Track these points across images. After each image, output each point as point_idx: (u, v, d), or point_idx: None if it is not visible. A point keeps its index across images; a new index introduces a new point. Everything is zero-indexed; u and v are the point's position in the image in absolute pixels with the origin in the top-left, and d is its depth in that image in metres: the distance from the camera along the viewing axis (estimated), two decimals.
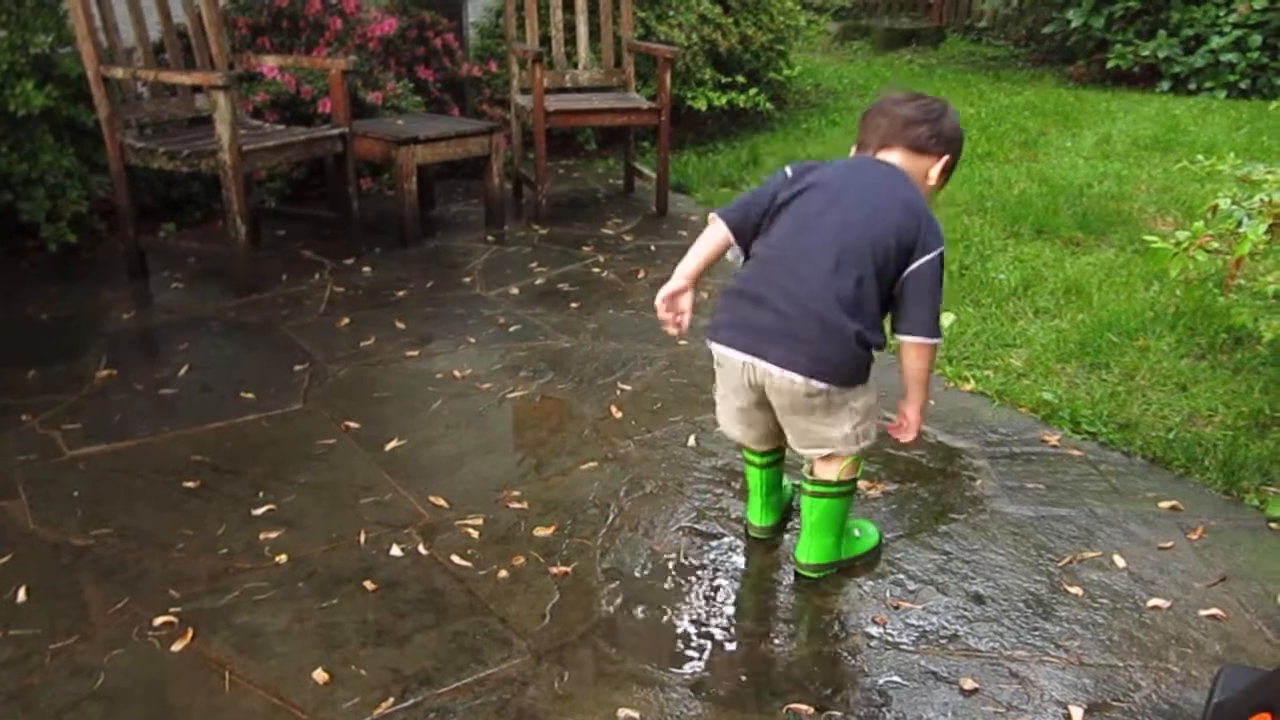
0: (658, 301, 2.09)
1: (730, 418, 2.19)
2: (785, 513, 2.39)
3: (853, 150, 2.17)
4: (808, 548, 2.18)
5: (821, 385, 1.95)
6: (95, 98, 3.76)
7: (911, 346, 1.98)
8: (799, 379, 1.94)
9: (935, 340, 1.98)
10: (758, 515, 2.33)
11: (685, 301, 2.08)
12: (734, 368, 2.03)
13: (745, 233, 2.06)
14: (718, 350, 2.05)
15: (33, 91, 3.69)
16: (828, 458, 2.10)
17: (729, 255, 2.11)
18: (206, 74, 3.94)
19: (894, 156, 2.06)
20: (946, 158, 2.07)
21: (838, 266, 1.91)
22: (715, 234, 2.07)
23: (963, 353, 3.30)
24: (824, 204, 1.99)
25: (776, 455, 2.28)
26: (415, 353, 3.35)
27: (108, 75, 3.76)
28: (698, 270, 2.08)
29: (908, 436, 2.10)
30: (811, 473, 2.14)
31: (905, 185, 2.02)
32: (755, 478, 2.29)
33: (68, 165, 3.95)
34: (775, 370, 1.95)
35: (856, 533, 2.27)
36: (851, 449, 2.08)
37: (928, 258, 1.94)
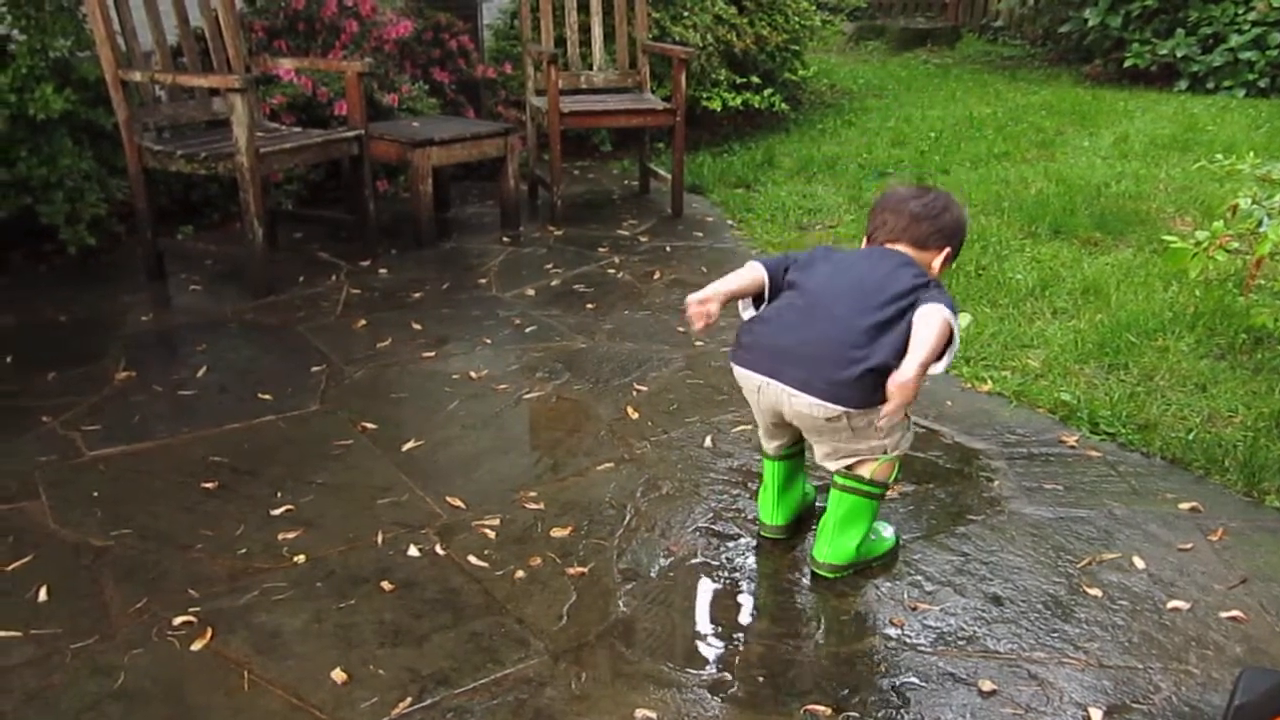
0: (690, 299, 2.13)
1: (762, 432, 2.29)
2: (800, 516, 2.37)
3: (863, 242, 2.27)
4: (827, 546, 2.18)
5: (839, 409, 2.01)
6: (114, 101, 3.79)
7: (931, 306, 1.98)
8: (815, 401, 2.02)
9: (950, 316, 1.97)
10: (769, 513, 2.32)
11: (714, 308, 2.13)
12: (751, 389, 2.15)
13: (776, 280, 2.17)
14: (736, 371, 2.17)
15: (52, 95, 3.72)
16: (858, 465, 2.15)
17: (739, 305, 2.22)
18: (223, 77, 3.96)
19: (900, 249, 2.17)
20: (948, 250, 2.18)
21: (860, 306, 2.02)
22: (752, 271, 2.19)
23: (980, 353, 3.29)
24: (844, 266, 2.13)
25: (793, 449, 2.30)
26: (431, 354, 3.36)
27: (126, 78, 3.78)
28: (728, 292, 2.16)
29: (900, 380, 1.89)
30: (848, 468, 2.15)
31: (915, 264, 2.13)
32: (770, 470, 2.30)
33: (86, 168, 3.97)
34: (793, 391, 2.04)
35: (872, 535, 2.25)
36: (880, 457, 2.13)
37: (939, 299, 2.01)
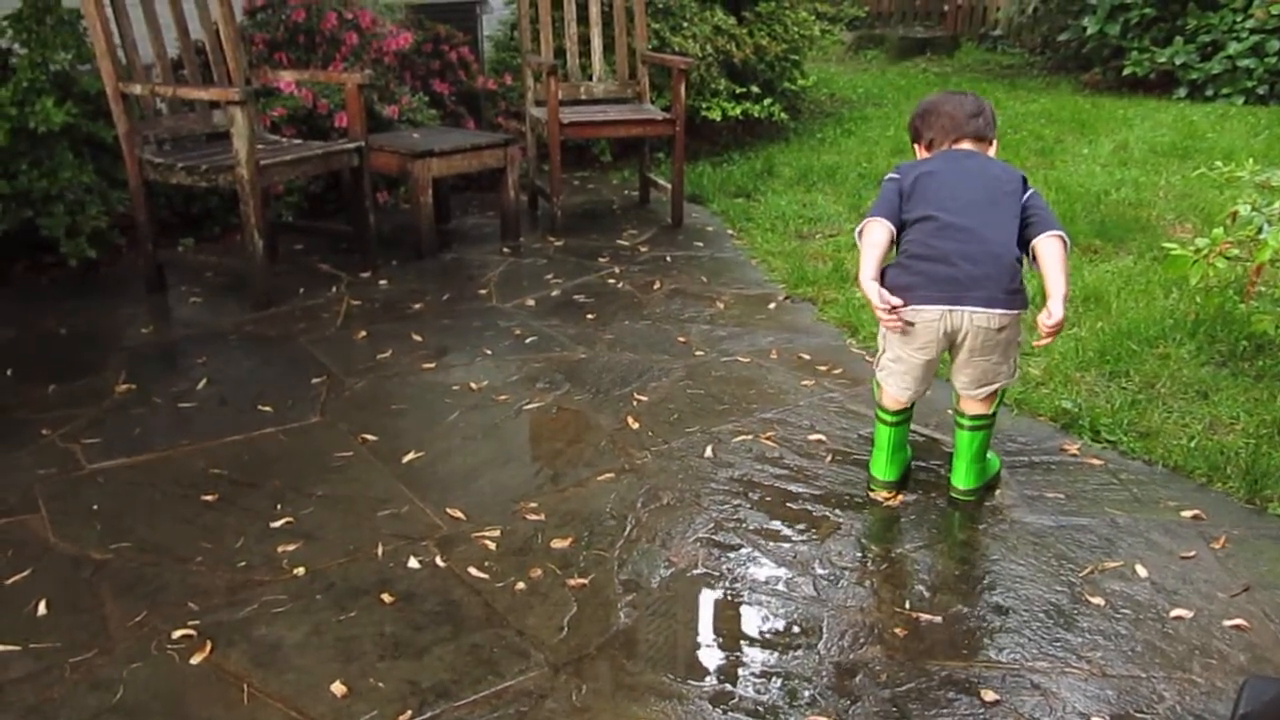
0: (881, 317, 2.36)
1: (909, 379, 2.44)
2: (905, 473, 2.58)
3: (918, 148, 2.57)
4: (967, 475, 2.49)
5: (1015, 313, 2.31)
6: (114, 114, 3.80)
7: (1052, 239, 2.30)
8: (998, 312, 2.29)
9: (1063, 233, 2.31)
10: (884, 470, 2.54)
11: (887, 293, 2.33)
12: (929, 323, 2.32)
13: (896, 221, 2.40)
14: (911, 311, 2.33)
15: (53, 108, 3.73)
16: (988, 396, 2.43)
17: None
18: (224, 89, 3.97)
19: (965, 145, 2.49)
20: (995, 141, 2.55)
21: (994, 218, 2.33)
22: (882, 231, 2.38)
23: None
24: (952, 180, 2.39)
25: (908, 414, 2.55)
26: (432, 365, 3.36)
27: (126, 91, 3.79)
28: (879, 269, 2.36)
29: (1055, 319, 2.24)
30: (967, 413, 2.45)
31: (992, 158, 2.49)
32: (886, 435, 2.52)
33: (87, 181, 3.98)
34: (981, 310, 2.29)
35: (989, 456, 2.57)
36: (1010, 381, 2.46)
37: (1033, 190, 2.40)
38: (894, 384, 2.47)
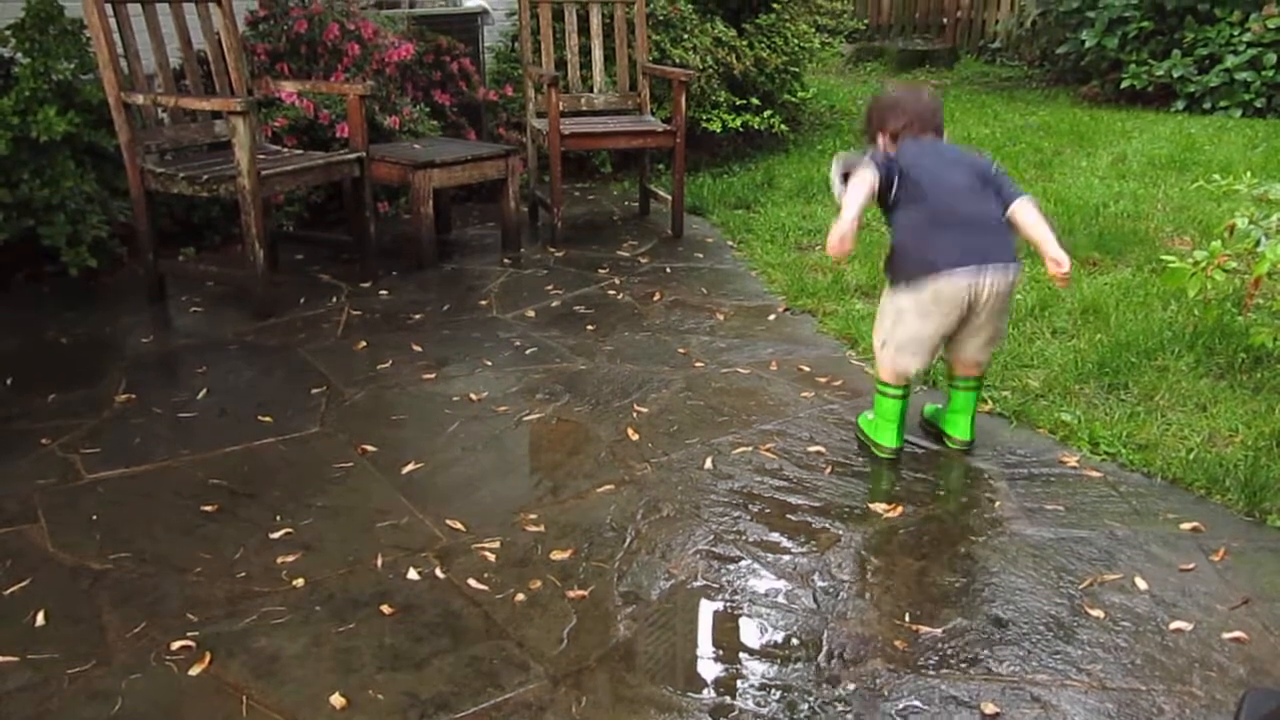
0: (837, 242, 2.51)
1: (924, 353, 2.69)
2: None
3: (880, 138, 2.78)
4: (967, 428, 2.80)
5: (1018, 265, 2.61)
6: (116, 123, 3.81)
7: (1026, 204, 2.61)
8: (1015, 266, 2.59)
9: (1032, 197, 2.64)
10: (894, 438, 2.77)
11: (851, 240, 2.52)
12: (958, 289, 2.55)
13: (884, 184, 2.58)
14: (942, 279, 2.55)
15: (55, 118, 3.74)
16: (985, 360, 2.76)
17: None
18: (226, 100, 3.98)
19: (929, 136, 2.74)
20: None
21: (986, 193, 2.61)
22: (874, 178, 2.55)
23: None
24: (943, 167, 2.65)
25: (909, 384, 2.78)
26: (432, 376, 3.36)
27: (129, 101, 3.80)
28: (861, 211, 2.54)
29: (1064, 264, 2.53)
30: (965, 377, 2.77)
31: (959, 146, 2.81)
32: (897, 407, 2.75)
33: (89, 190, 3.99)
34: (1005, 266, 2.56)
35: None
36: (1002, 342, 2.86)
37: (996, 164, 2.71)
38: (906, 361, 2.69)
